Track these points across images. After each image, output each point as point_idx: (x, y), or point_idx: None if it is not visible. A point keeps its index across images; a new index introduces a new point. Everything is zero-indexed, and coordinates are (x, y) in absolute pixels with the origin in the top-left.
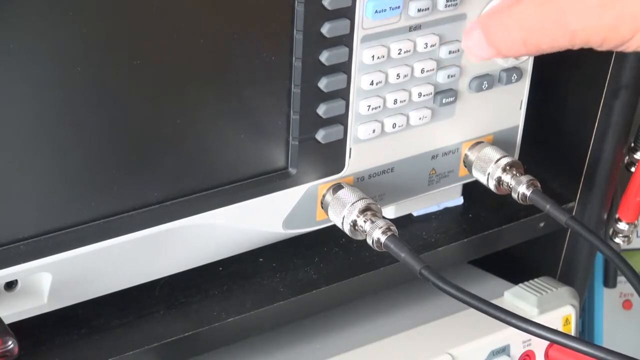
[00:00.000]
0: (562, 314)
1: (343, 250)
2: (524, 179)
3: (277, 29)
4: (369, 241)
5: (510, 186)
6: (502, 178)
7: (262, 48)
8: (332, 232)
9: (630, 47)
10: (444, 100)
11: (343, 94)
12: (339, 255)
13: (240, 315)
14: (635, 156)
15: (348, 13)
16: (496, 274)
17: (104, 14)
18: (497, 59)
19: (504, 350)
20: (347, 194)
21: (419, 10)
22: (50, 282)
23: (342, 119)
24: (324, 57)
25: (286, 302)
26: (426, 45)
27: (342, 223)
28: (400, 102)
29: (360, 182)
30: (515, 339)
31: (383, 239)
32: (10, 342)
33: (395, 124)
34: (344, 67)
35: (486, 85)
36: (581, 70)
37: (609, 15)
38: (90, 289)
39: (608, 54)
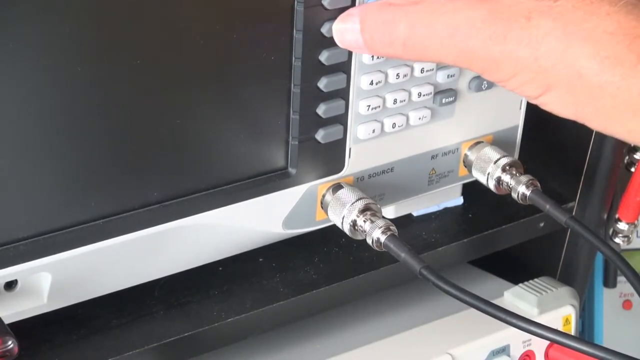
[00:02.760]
0: (562, 314)
1: (343, 250)
2: (524, 178)
3: (277, 29)
4: (369, 241)
5: (510, 186)
6: (502, 178)
7: (262, 48)
8: (332, 232)
9: (507, 86)
10: (443, 100)
11: (343, 94)
12: (339, 255)
13: (240, 315)
14: (635, 156)
15: None
16: (496, 274)
17: (104, 13)
18: None
19: (504, 350)
20: (346, 194)
21: None
22: (50, 282)
23: (341, 119)
24: (324, 57)
25: (286, 302)
26: None
27: (342, 223)
28: (400, 102)
29: (360, 182)
30: (515, 339)
31: (383, 238)
32: (10, 342)
33: (395, 123)
34: (344, 67)
35: (486, 85)
36: None
37: (494, 50)
38: (90, 289)
39: None
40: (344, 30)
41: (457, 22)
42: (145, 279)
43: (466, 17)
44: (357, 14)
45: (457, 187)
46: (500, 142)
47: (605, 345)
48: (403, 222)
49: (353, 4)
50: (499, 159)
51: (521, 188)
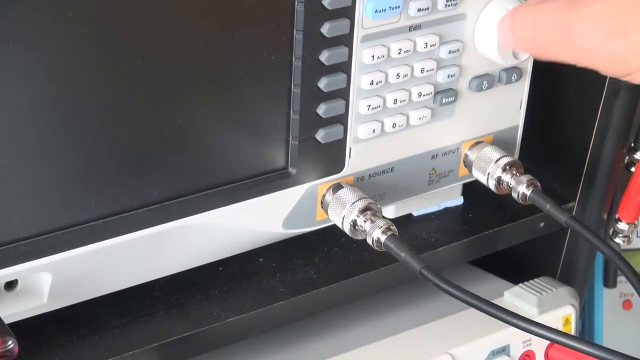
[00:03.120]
0: (562, 314)
1: (343, 250)
2: (524, 178)
3: (277, 29)
4: (369, 241)
5: (510, 186)
6: (502, 178)
7: (262, 48)
8: (332, 232)
9: (635, 79)
10: (443, 100)
11: (343, 94)
12: (339, 255)
13: (240, 315)
14: (635, 156)
15: (348, 13)
16: (496, 274)
17: (105, 14)
18: (496, 59)
19: (504, 350)
20: (347, 194)
21: (419, 10)
22: (50, 282)
23: (342, 119)
24: (324, 56)
25: (286, 302)
26: (426, 45)
27: (342, 223)
28: (400, 102)
29: (360, 182)
30: (515, 339)
31: (383, 238)
32: (10, 342)
33: (395, 123)
34: (344, 67)
35: (486, 85)
36: (581, 70)
37: (615, 44)
38: (90, 289)
39: None
40: (500, 30)
41: (572, 21)
42: (145, 279)
43: (581, 16)
44: (509, 15)
45: (457, 187)
46: (500, 142)
47: (605, 345)
48: (403, 222)
49: (353, 4)
50: (499, 159)
51: (521, 188)
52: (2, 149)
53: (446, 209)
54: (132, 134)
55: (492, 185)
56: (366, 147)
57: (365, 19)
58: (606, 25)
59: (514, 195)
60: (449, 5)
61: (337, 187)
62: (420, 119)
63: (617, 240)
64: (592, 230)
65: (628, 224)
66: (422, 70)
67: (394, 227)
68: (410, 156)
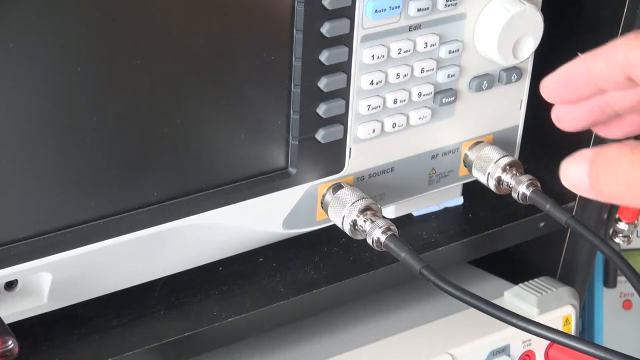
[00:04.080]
0: (562, 314)
1: (343, 250)
2: (524, 178)
3: (277, 29)
4: (369, 241)
5: (510, 186)
6: (502, 178)
7: (262, 48)
8: (332, 232)
9: None
10: (443, 100)
11: (343, 94)
12: (339, 255)
13: (240, 315)
14: None
15: (348, 13)
16: (496, 274)
17: (105, 13)
18: (496, 59)
19: (504, 350)
20: (347, 194)
21: (418, 10)
22: (50, 282)
23: (342, 119)
24: (324, 56)
25: (286, 302)
26: (426, 45)
27: (342, 223)
28: (400, 101)
29: (360, 182)
30: (515, 339)
31: (383, 238)
32: (10, 342)
33: (395, 123)
34: (344, 67)
35: (486, 85)
36: None
37: None
38: (91, 289)
39: None
40: (573, 180)
41: None
42: (145, 279)
43: None
44: (589, 154)
45: (457, 187)
46: (500, 142)
47: (605, 345)
48: (403, 222)
49: (353, 4)
50: (499, 159)
51: (521, 188)
52: (2, 149)
53: (446, 209)
54: (132, 134)
55: (492, 185)
56: (366, 147)
57: (365, 19)
58: None
59: (514, 195)
60: (449, 5)
61: (337, 187)
62: (420, 119)
63: (617, 240)
64: (592, 230)
65: (628, 224)
66: (422, 70)
67: (394, 227)
68: (410, 156)
